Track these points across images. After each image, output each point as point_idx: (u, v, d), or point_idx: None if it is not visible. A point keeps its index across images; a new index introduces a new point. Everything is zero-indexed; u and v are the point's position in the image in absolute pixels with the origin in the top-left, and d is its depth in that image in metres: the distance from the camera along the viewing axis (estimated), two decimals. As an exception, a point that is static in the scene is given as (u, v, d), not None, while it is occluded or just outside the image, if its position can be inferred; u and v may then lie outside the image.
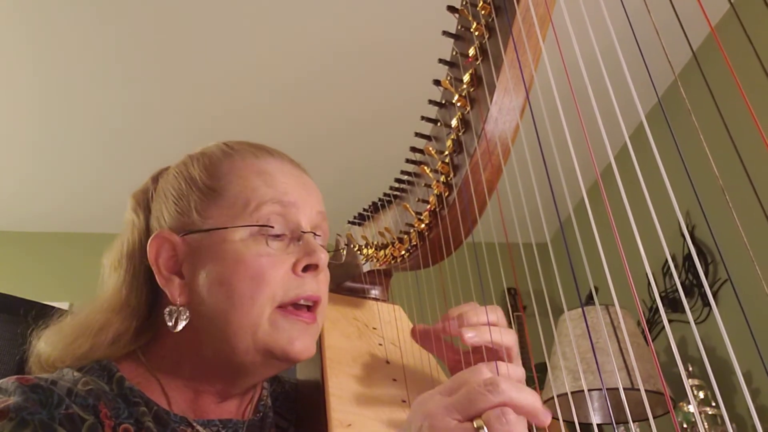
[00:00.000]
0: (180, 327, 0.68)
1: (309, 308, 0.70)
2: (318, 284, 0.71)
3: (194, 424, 0.67)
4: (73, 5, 2.22)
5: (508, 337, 0.69)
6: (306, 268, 0.69)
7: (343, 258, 0.83)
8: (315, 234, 0.73)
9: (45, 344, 0.72)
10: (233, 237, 0.68)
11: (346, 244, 0.85)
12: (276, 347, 0.67)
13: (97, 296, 0.75)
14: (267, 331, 0.67)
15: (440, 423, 0.47)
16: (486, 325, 0.69)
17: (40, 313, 0.78)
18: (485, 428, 0.46)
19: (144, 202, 0.77)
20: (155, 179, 0.79)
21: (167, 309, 0.69)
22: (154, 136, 2.81)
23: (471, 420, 0.47)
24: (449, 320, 0.71)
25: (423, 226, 0.76)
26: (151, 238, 0.71)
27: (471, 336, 0.68)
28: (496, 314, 0.71)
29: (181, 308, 0.69)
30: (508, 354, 0.69)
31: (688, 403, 2.04)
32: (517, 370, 0.66)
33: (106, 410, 0.62)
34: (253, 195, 0.70)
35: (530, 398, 0.48)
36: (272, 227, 0.69)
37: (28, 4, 2.21)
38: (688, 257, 2.33)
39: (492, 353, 0.69)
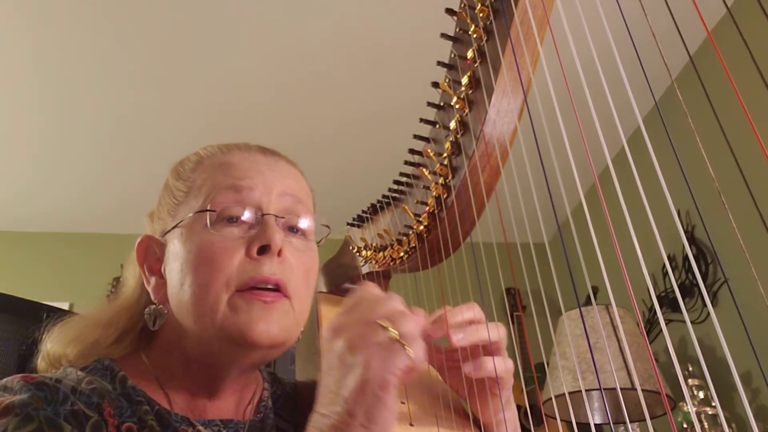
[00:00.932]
0: (156, 326, 0.70)
1: (275, 290, 0.68)
2: (280, 266, 0.68)
3: (196, 424, 0.68)
4: (74, 5, 2.22)
5: (494, 332, 0.68)
6: (261, 251, 0.67)
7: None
8: (278, 216, 0.70)
9: (51, 341, 0.73)
10: (191, 229, 0.69)
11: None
12: (234, 330, 0.65)
13: (113, 298, 0.78)
14: (226, 315, 0.65)
15: (346, 325, 0.52)
16: (469, 323, 0.68)
17: (44, 314, 0.80)
18: (390, 327, 0.51)
19: (152, 218, 0.80)
20: None
21: (147, 309, 0.71)
22: (154, 136, 2.81)
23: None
24: (430, 326, 0.69)
25: (422, 227, 0.77)
26: (136, 243, 0.74)
27: (460, 338, 0.67)
28: (473, 311, 0.69)
29: (159, 307, 0.71)
30: (495, 347, 0.68)
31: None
32: (507, 363, 0.67)
33: (109, 409, 0.63)
34: (210, 185, 0.71)
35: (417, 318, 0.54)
36: (214, 211, 0.68)
37: (29, 4, 2.21)
38: (688, 257, 2.34)
39: (477, 349, 0.68)
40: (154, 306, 0.71)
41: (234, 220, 0.69)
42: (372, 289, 0.58)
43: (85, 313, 0.76)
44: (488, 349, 0.68)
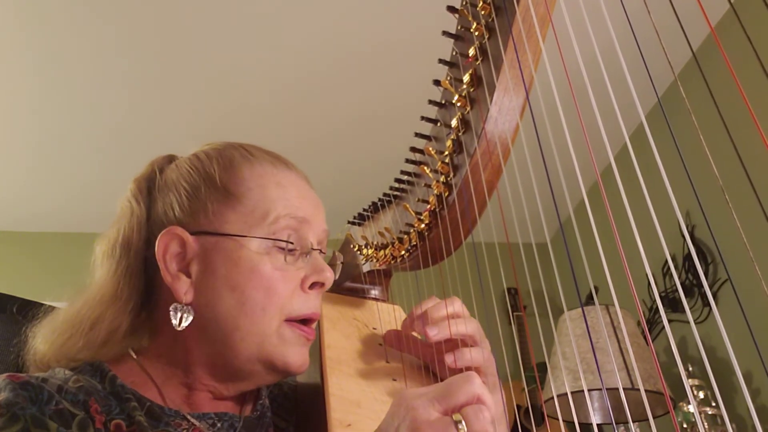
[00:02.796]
0: (184, 325, 0.68)
1: (306, 323, 0.72)
2: (318, 301, 0.73)
3: (189, 418, 0.67)
4: (73, 4, 2.22)
5: (469, 326, 0.74)
6: (312, 285, 0.72)
7: (337, 276, 0.83)
8: (321, 252, 0.75)
9: (40, 342, 0.72)
10: (250, 246, 0.69)
11: (341, 262, 0.86)
12: (279, 359, 0.69)
13: (89, 286, 0.73)
14: (274, 344, 0.68)
15: (421, 415, 0.50)
16: (447, 319, 0.73)
17: (31, 310, 0.77)
18: (463, 422, 0.49)
19: (146, 190, 0.75)
20: (161, 167, 0.77)
21: (173, 306, 0.68)
22: (154, 135, 2.81)
23: (450, 414, 0.50)
24: (413, 320, 0.76)
25: (423, 226, 0.76)
26: (162, 232, 0.69)
27: (435, 333, 0.72)
28: (454, 306, 0.75)
29: (186, 307, 0.68)
30: (472, 340, 0.73)
31: (688, 403, 2.04)
32: (480, 353, 0.72)
33: (96, 406, 0.62)
34: (273, 207, 0.71)
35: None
36: (291, 243, 0.71)
37: (27, 3, 2.21)
38: (688, 257, 2.33)
39: (457, 341, 0.73)
40: (179, 305, 0.68)
41: (291, 250, 0.71)
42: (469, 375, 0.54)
43: (69, 310, 0.72)
44: (465, 342, 0.73)
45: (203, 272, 0.69)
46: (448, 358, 0.72)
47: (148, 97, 2.65)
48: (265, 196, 0.71)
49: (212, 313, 0.68)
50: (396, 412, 0.52)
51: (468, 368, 0.72)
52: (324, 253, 0.76)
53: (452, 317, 0.74)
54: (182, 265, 0.70)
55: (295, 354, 0.70)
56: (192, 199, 0.71)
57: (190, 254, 0.69)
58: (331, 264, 0.81)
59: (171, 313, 0.68)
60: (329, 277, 0.73)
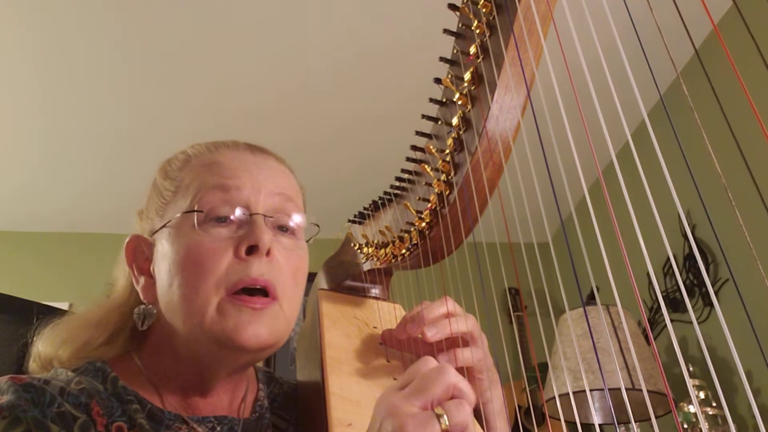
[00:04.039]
0: (145, 326, 0.70)
1: (265, 294, 0.67)
2: (269, 267, 0.67)
3: (189, 421, 0.68)
4: (75, 6, 2.22)
5: (467, 324, 0.74)
6: (249, 251, 0.67)
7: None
8: (266, 216, 0.70)
9: (43, 343, 0.73)
10: (179, 229, 0.69)
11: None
12: (222, 335, 0.65)
13: (106, 294, 0.78)
14: (213, 320, 0.65)
15: (402, 412, 0.50)
16: (443, 318, 0.73)
17: (41, 313, 0.79)
18: (445, 415, 0.49)
19: (141, 216, 0.80)
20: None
21: (136, 309, 0.71)
22: (156, 136, 2.81)
23: (430, 408, 0.50)
24: (407, 325, 0.75)
25: (423, 224, 0.76)
26: (125, 242, 0.74)
27: (433, 333, 0.72)
28: (447, 305, 0.74)
29: (149, 307, 0.71)
30: (470, 338, 0.74)
31: (689, 403, 2.04)
32: (477, 352, 0.73)
33: (98, 408, 0.63)
34: (197, 185, 0.71)
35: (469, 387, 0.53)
36: (201, 211, 0.68)
37: (29, 4, 2.20)
38: (689, 256, 2.33)
39: (455, 339, 0.73)
40: (143, 306, 0.71)
41: (222, 220, 0.68)
42: (427, 362, 0.54)
43: (76, 313, 0.76)
44: (464, 339, 0.73)
45: (156, 270, 0.71)
46: (443, 359, 0.71)
47: (151, 97, 2.65)
48: (194, 179, 0.72)
49: (165, 306, 0.69)
50: (376, 413, 0.52)
51: (469, 367, 0.73)
52: (270, 217, 0.70)
53: (448, 316, 0.74)
54: (147, 268, 0.73)
55: (238, 327, 0.64)
56: (149, 209, 0.76)
57: (150, 257, 0.73)
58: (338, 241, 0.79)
59: (135, 316, 0.71)
60: (261, 237, 0.66)
